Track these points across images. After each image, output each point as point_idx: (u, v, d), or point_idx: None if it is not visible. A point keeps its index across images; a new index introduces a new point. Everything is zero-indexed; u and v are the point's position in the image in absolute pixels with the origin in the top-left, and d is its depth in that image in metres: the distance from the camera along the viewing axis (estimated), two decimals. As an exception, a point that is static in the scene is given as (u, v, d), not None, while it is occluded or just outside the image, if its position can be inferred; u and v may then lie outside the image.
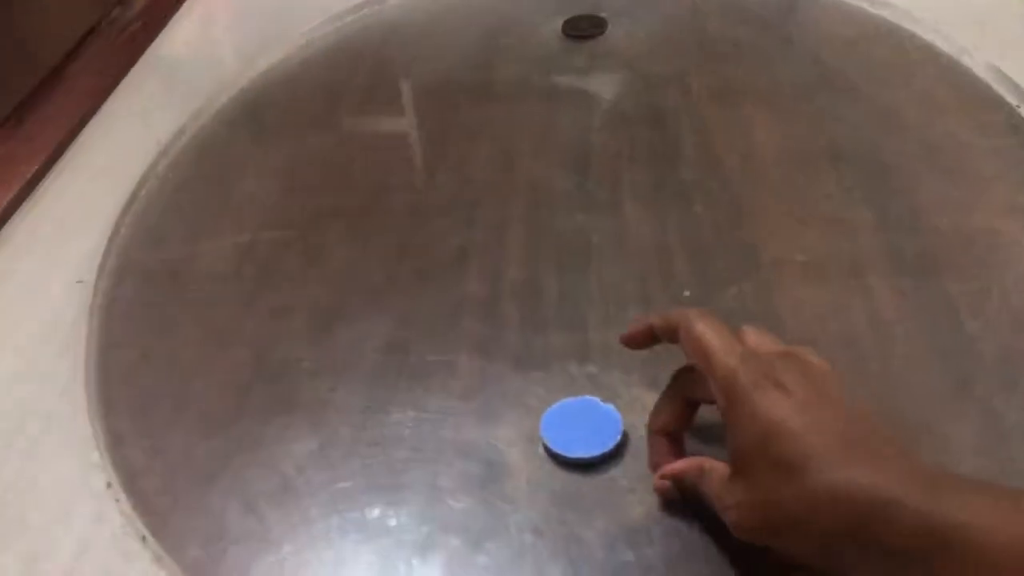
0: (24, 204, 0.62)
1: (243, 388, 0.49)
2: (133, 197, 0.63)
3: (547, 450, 0.43)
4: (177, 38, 0.82)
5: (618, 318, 0.50)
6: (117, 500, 0.43)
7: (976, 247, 0.53)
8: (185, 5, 0.87)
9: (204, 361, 0.51)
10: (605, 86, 0.71)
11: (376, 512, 0.42)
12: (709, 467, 0.37)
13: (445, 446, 0.44)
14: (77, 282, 0.56)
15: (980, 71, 0.67)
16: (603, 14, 0.79)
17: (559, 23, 0.79)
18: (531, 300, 0.52)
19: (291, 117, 0.72)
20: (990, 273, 0.51)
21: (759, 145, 0.63)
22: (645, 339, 0.41)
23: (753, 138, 0.64)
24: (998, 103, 0.64)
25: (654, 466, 0.41)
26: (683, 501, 0.40)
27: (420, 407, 0.46)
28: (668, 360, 0.42)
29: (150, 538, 0.42)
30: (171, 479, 0.44)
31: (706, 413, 0.41)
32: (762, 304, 0.51)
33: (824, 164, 0.60)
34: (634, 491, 0.41)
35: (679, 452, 0.41)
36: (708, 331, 0.38)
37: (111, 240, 0.59)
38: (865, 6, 0.77)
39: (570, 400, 0.45)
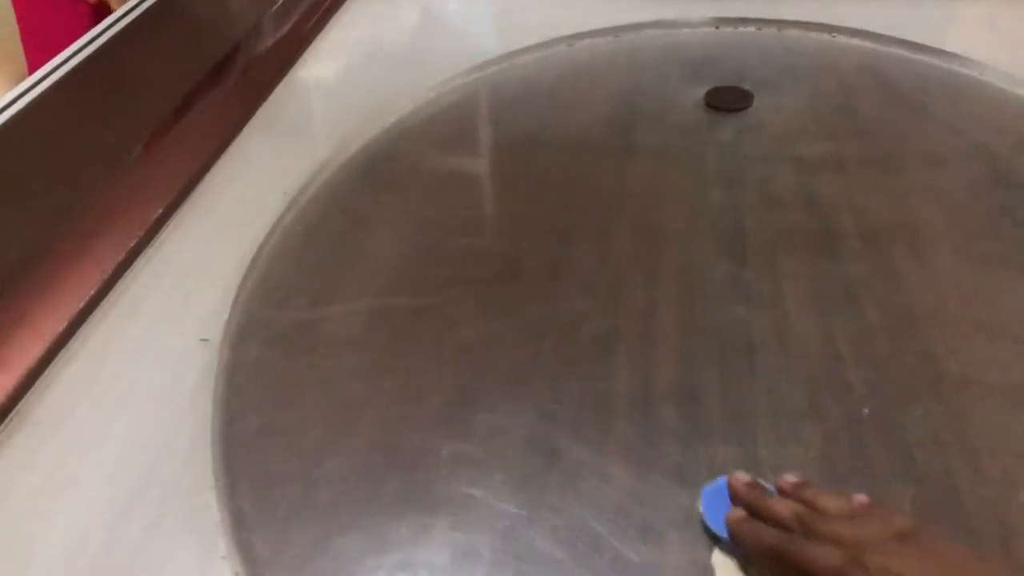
0: (146, 250, 0.60)
1: (376, 476, 0.45)
2: (259, 251, 0.60)
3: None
4: (304, 84, 0.80)
5: (790, 434, 0.45)
6: (242, 596, 0.40)
7: None
8: (310, 49, 0.85)
9: (333, 440, 0.47)
10: (754, 163, 0.67)
11: (528, 641, 0.37)
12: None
13: (603, 568, 0.40)
14: (201, 340, 0.53)
15: None
16: (747, 86, 0.75)
17: (701, 93, 0.75)
18: (690, 404, 0.48)
19: (420, 173, 0.69)
20: None
21: (928, 239, 0.58)
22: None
23: (920, 231, 0.59)
24: None
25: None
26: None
27: (573, 520, 0.42)
28: (849, 480, 0.37)
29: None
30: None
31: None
32: (955, 431, 0.45)
33: (1009, 269, 0.55)
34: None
35: None
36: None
37: (236, 296, 0.56)
38: (1036, 96, 0.72)
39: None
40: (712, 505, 0.41)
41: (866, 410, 0.47)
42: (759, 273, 0.56)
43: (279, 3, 0.89)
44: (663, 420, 0.47)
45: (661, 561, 0.40)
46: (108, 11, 1.07)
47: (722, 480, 0.42)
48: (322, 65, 0.83)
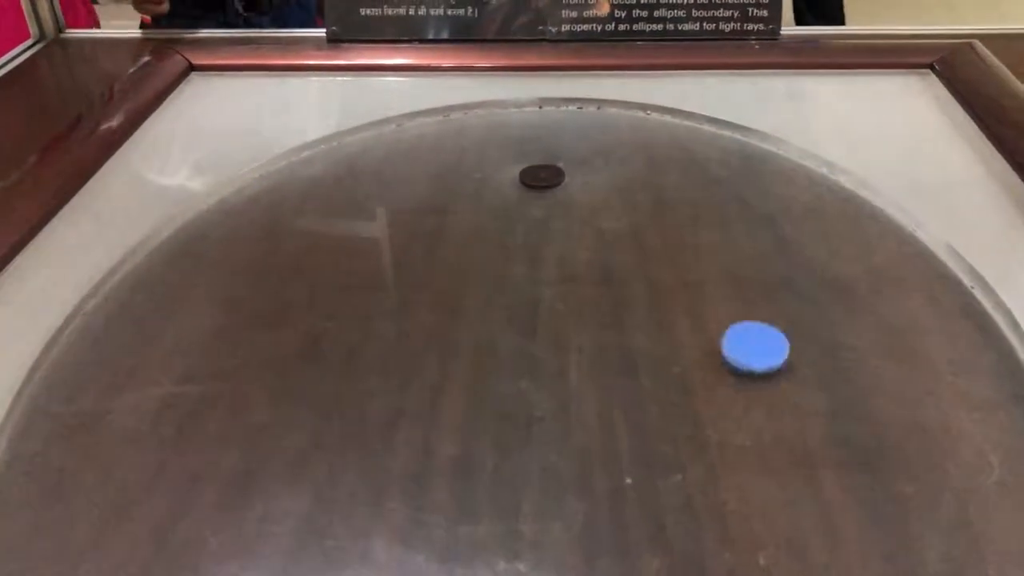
0: (-65, 341, 0.59)
1: (143, 570, 0.44)
2: (53, 340, 0.59)
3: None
4: (127, 166, 0.80)
5: (555, 508, 0.47)
6: None
7: (927, 442, 0.51)
8: (137, 133, 0.85)
9: (98, 538, 0.46)
10: (558, 239, 0.70)
11: None
12: None
13: (353, 654, 0.40)
14: (-22, 435, 0.52)
15: (935, 247, 0.66)
16: (561, 164, 0.79)
17: (517, 171, 0.78)
18: (462, 480, 0.49)
19: (231, 255, 0.69)
20: (939, 474, 0.49)
21: (710, 314, 0.61)
22: None
23: (704, 306, 0.62)
24: (954, 283, 0.63)
25: None
26: None
27: (330, 604, 0.43)
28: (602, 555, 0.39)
29: None
30: None
31: None
32: (708, 496, 0.48)
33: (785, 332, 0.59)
34: None
35: None
36: None
37: (22, 388, 0.55)
38: (824, 171, 0.77)
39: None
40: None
41: (628, 479, 0.49)
42: (546, 346, 0.58)
43: (106, 91, 0.89)
44: (434, 498, 0.48)
45: (409, 643, 0.41)
46: None
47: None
48: (147, 147, 0.83)
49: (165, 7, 1.21)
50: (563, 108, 0.89)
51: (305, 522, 0.47)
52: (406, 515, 0.47)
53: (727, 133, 0.84)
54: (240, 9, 1.32)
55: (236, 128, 0.86)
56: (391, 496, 0.48)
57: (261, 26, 1.30)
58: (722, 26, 0.97)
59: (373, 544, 0.45)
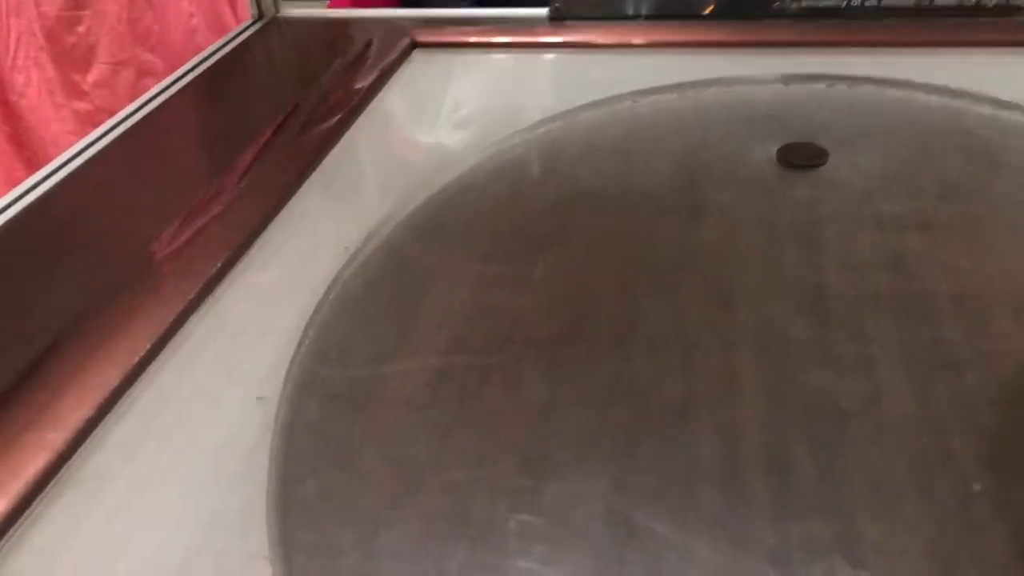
0: (201, 307, 0.58)
1: (440, 550, 0.42)
2: (319, 306, 0.58)
3: None
4: (362, 141, 0.79)
5: (894, 510, 0.42)
6: None
7: None
8: (369, 108, 0.84)
9: (394, 507, 0.44)
10: (832, 222, 0.63)
11: None
12: None
13: (691, 659, 0.36)
14: (258, 399, 0.51)
15: None
16: (821, 143, 0.73)
17: (772, 150, 0.72)
18: (780, 476, 0.44)
19: (480, 230, 0.67)
20: None
21: (1031, 306, 0.54)
22: None
23: (1021, 296, 0.55)
24: None
25: None
26: None
27: (657, 602, 0.38)
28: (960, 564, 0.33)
29: None
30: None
31: None
32: (1079, 512, 0.41)
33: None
34: None
35: None
36: None
37: (295, 353, 0.54)
38: None
39: None
40: None
41: (977, 486, 0.42)
42: (842, 336, 0.53)
43: (336, 64, 0.89)
44: (750, 493, 0.43)
45: (757, 653, 0.36)
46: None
47: None
48: (380, 123, 0.82)
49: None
50: (810, 86, 0.83)
51: (609, 509, 0.43)
52: (722, 508, 0.42)
53: (1004, 114, 0.75)
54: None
55: (465, 105, 0.84)
56: (701, 487, 0.44)
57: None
58: (984, 1, 0.88)
59: (692, 538, 0.41)
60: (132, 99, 0.86)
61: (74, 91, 1.47)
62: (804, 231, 0.63)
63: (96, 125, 0.80)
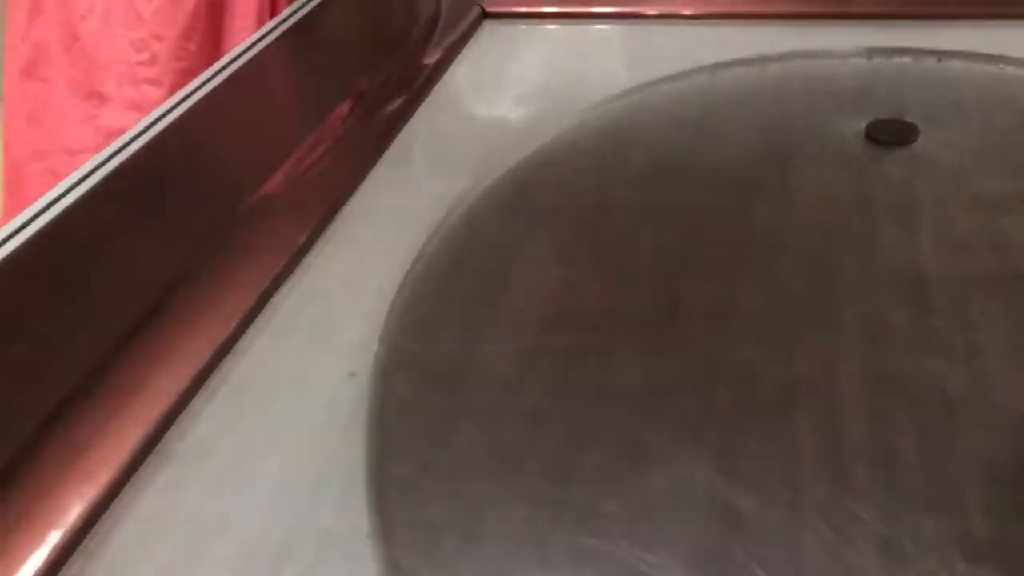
0: (290, 278, 0.58)
1: (543, 534, 0.41)
2: (404, 280, 0.58)
3: None
4: (440, 113, 0.79)
5: (1008, 502, 0.40)
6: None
7: None
8: (444, 79, 0.83)
9: (493, 489, 0.44)
10: (928, 201, 0.62)
11: None
12: None
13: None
14: (350, 375, 0.51)
15: None
16: (910, 119, 0.70)
17: (860, 125, 0.70)
18: (885, 466, 0.43)
19: (565, 204, 0.66)
20: None
21: None
22: None
23: None
24: None
25: None
26: None
27: (768, 594, 0.38)
28: None
29: None
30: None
31: None
32: None
33: None
34: None
35: None
36: None
37: (384, 328, 0.54)
38: None
39: None
40: None
41: (1097, 483, 0.41)
42: (948, 321, 0.51)
43: (413, 34, 0.88)
44: (857, 483, 0.42)
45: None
46: None
47: None
48: (456, 95, 0.81)
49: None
50: (895, 59, 0.80)
51: (712, 496, 0.42)
52: (830, 499, 0.41)
53: (1104, 89, 0.73)
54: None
55: (540, 76, 0.83)
56: (805, 475, 0.43)
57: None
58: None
59: (797, 527, 0.40)
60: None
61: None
62: (900, 210, 0.61)
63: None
